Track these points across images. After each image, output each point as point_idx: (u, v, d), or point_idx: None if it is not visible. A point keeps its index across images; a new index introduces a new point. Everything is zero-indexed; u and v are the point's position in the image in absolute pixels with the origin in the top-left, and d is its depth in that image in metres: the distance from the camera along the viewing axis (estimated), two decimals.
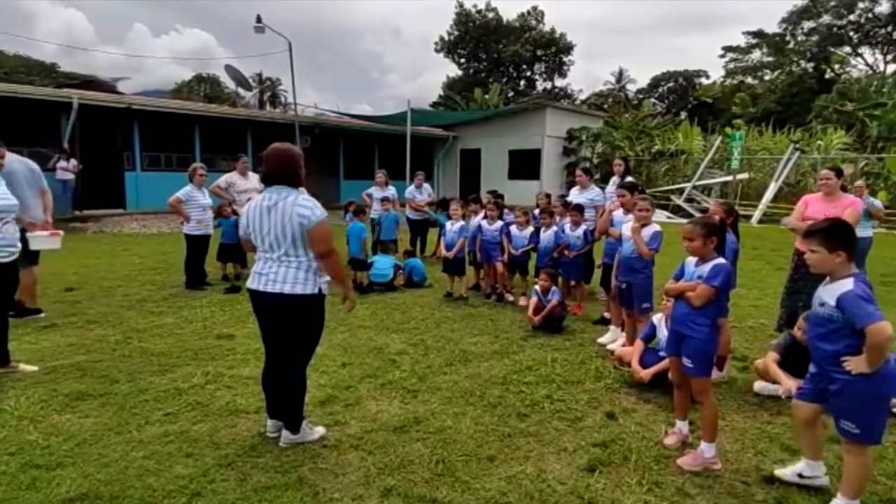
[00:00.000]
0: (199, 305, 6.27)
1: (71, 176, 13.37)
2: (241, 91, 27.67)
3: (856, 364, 2.47)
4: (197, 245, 7.13)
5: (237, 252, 7.75)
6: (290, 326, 3.10)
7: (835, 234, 2.57)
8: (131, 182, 15.18)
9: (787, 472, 2.90)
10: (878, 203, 7.98)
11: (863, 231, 6.84)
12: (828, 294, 2.55)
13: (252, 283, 3.12)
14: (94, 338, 5.05)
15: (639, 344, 4.31)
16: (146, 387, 3.95)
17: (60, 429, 3.30)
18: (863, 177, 16.03)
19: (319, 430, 3.30)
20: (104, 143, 14.82)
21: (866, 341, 2.42)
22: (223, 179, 8.06)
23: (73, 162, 13.46)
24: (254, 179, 8.30)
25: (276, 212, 2.99)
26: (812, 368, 2.75)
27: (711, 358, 3.15)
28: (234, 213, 7.71)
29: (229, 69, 19.58)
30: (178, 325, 5.51)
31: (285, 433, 3.18)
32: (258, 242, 3.10)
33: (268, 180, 3.10)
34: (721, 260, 3.10)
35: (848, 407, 2.54)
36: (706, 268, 3.09)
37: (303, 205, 2.98)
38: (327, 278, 3.15)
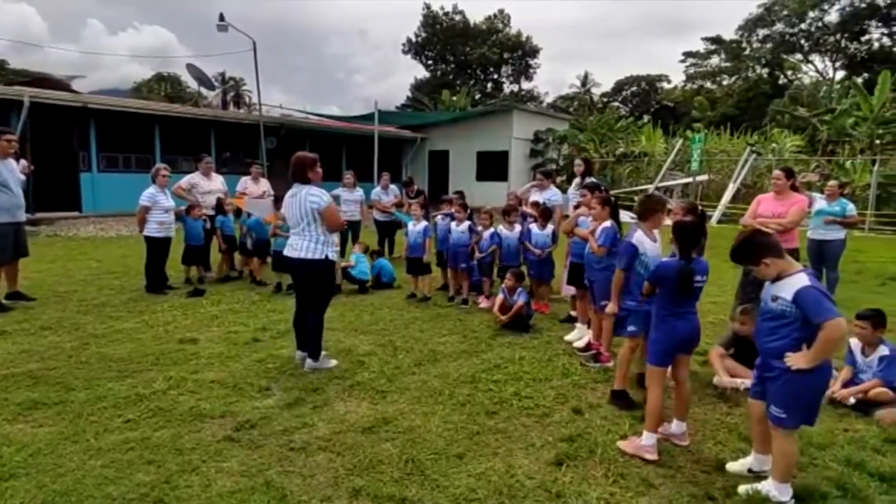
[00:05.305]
0: (161, 310, 6.10)
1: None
2: (203, 91, 27.03)
3: (795, 360, 2.57)
4: (158, 248, 6.94)
5: (202, 255, 7.59)
6: (307, 282, 4.34)
7: (746, 252, 2.75)
8: (87, 183, 14.61)
9: (736, 466, 3.02)
10: (850, 209, 6.76)
11: (835, 233, 6.65)
12: (782, 290, 2.65)
13: (286, 251, 4.38)
14: (49, 344, 4.86)
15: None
16: (104, 394, 3.82)
17: (12, 439, 3.17)
18: (820, 179, 16.67)
19: (333, 362, 4.42)
20: (58, 144, 14.23)
21: (820, 335, 2.49)
22: (185, 180, 7.86)
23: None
24: (217, 180, 8.13)
25: (296, 200, 4.23)
26: (758, 361, 2.86)
27: (653, 343, 3.27)
28: (204, 216, 7.54)
29: (191, 68, 19.12)
30: (139, 330, 5.34)
31: (308, 361, 4.31)
32: (290, 222, 4.35)
33: (291, 179, 4.32)
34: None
35: (780, 395, 2.66)
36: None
37: (313, 193, 4.23)
38: (334, 248, 4.36)
